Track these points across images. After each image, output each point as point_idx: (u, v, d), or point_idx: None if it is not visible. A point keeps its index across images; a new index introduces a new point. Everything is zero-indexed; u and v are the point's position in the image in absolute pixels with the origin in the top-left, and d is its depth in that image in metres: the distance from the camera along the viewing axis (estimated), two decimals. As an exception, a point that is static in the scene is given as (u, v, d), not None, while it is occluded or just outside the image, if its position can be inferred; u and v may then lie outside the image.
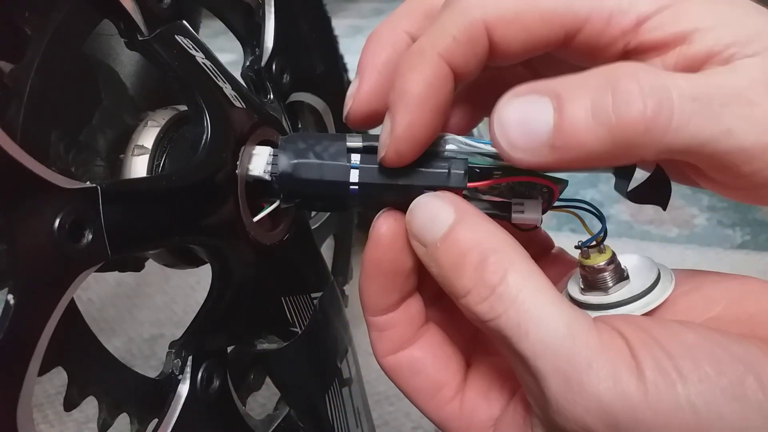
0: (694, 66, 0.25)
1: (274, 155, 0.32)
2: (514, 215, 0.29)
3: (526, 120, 0.24)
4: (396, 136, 0.27)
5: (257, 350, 0.42)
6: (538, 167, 0.25)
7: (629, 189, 0.27)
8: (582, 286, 0.30)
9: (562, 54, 0.28)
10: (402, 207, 0.29)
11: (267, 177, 0.32)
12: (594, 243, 0.29)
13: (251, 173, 0.33)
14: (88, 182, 0.30)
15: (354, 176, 0.29)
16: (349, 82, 1.15)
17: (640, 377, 0.22)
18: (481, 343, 0.33)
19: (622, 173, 0.28)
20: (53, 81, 0.31)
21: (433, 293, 0.32)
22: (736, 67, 0.24)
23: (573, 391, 0.23)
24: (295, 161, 0.30)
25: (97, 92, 0.38)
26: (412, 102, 0.26)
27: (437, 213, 0.27)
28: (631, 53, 0.27)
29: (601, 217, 0.29)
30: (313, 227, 0.48)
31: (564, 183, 0.29)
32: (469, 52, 0.26)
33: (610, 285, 0.29)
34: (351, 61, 1.20)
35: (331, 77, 0.55)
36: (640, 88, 0.23)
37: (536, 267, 0.25)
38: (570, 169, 0.26)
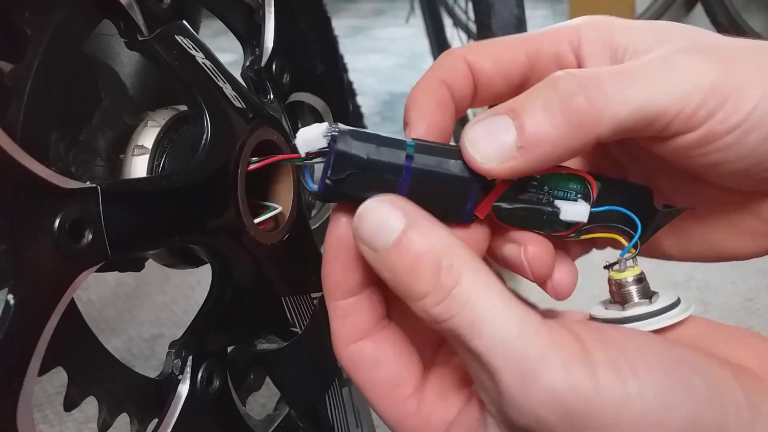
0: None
1: (330, 129, 0.29)
2: (563, 209, 0.30)
3: (491, 133, 0.28)
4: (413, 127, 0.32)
5: (257, 350, 0.42)
6: (511, 173, 0.28)
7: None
8: (622, 304, 0.30)
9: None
10: (446, 204, 0.29)
11: (324, 142, 0.29)
12: (631, 253, 0.30)
13: (305, 137, 0.30)
14: (88, 182, 0.30)
15: (408, 160, 0.28)
16: (349, 83, 1.15)
17: (591, 370, 0.24)
18: (439, 348, 0.33)
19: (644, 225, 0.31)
20: (53, 81, 0.31)
21: (393, 297, 0.32)
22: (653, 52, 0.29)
23: (527, 383, 0.24)
24: (354, 132, 0.28)
25: (97, 92, 0.38)
26: (426, 113, 0.31)
27: (386, 218, 0.27)
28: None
29: (636, 226, 0.30)
30: (313, 227, 0.48)
31: (598, 183, 0.30)
32: (454, 70, 0.33)
33: (642, 296, 0.30)
34: (351, 61, 1.20)
35: (331, 77, 0.55)
36: (576, 78, 0.27)
37: (486, 267, 0.27)
38: (542, 169, 0.29)
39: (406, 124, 0.32)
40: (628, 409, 0.24)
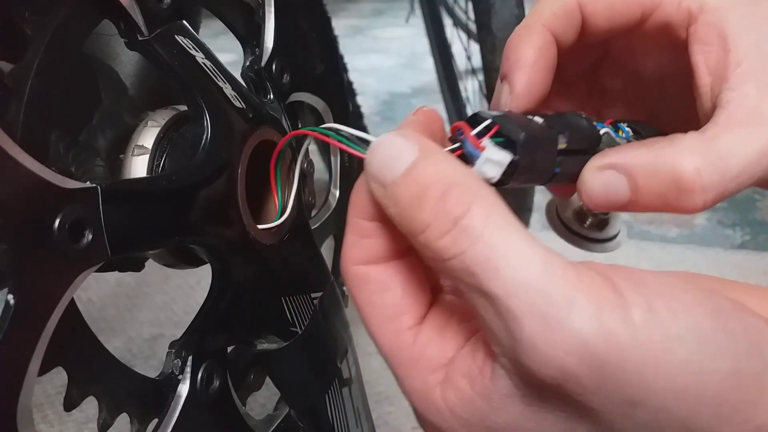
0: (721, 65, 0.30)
1: (512, 162, 0.29)
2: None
3: (608, 192, 0.30)
4: (516, 94, 0.31)
5: (257, 350, 0.42)
6: None
7: None
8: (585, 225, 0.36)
9: (638, 40, 0.34)
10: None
11: (494, 180, 0.29)
12: None
13: (487, 164, 0.29)
14: (88, 182, 0.30)
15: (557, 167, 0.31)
16: (349, 83, 1.14)
17: (626, 315, 0.21)
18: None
19: None
20: (53, 81, 0.31)
21: None
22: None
23: (552, 330, 0.21)
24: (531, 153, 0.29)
25: (97, 92, 0.38)
26: (526, 64, 0.31)
27: (400, 150, 0.25)
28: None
29: None
30: (313, 227, 0.48)
31: None
32: (566, 23, 0.32)
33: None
34: (351, 61, 1.19)
35: (331, 77, 0.55)
36: (702, 187, 0.28)
37: (503, 202, 0.24)
38: None
39: (503, 77, 0.32)
40: (669, 357, 0.21)
